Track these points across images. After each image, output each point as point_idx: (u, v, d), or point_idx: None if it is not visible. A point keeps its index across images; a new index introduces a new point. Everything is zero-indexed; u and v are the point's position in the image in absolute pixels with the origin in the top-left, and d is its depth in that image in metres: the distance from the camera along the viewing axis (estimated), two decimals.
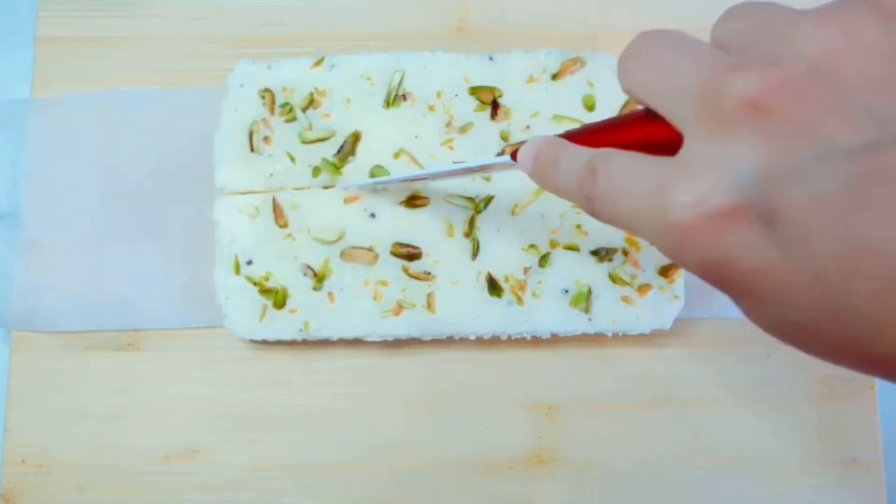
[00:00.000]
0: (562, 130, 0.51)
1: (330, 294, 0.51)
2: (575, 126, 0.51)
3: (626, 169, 0.29)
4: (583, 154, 0.32)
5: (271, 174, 0.52)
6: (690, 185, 0.26)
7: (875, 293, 0.22)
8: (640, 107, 0.31)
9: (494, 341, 0.53)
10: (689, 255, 0.26)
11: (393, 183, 0.51)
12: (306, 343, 0.53)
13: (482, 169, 0.44)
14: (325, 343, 0.53)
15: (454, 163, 0.52)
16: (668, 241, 0.27)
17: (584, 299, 0.51)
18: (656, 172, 0.27)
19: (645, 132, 0.31)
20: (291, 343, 0.53)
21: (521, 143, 0.37)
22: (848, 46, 0.25)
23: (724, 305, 0.53)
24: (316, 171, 0.52)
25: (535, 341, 0.53)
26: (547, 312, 0.51)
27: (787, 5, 0.27)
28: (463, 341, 0.53)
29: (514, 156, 0.38)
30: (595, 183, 0.30)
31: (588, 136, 0.33)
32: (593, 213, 0.31)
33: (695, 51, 0.29)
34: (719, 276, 0.26)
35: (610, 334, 0.52)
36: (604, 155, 0.30)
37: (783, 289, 0.25)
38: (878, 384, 0.54)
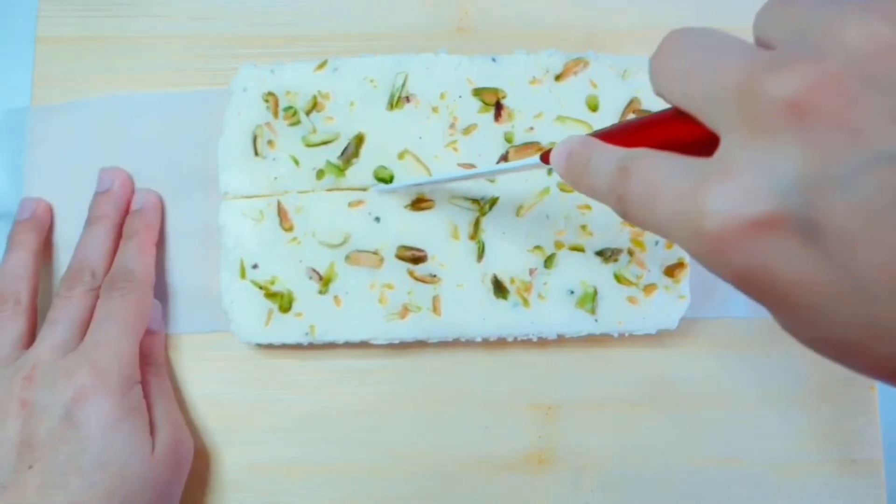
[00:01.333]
0: (566, 132, 0.52)
1: (336, 297, 0.51)
2: (580, 127, 0.52)
3: (658, 170, 0.28)
4: (615, 153, 0.30)
5: (276, 178, 0.52)
6: (725, 190, 0.24)
7: None
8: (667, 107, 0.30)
9: (499, 343, 0.53)
10: (723, 264, 0.25)
11: (427, 185, 0.51)
12: (310, 344, 0.52)
13: (510, 171, 0.44)
14: (328, 345, 0.53)
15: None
16: (700, 248, 0.25)
17: (589, 300, 0.51)
18: (690, 175, 0.26)
19: (677, 131, 0.29)
20: (295, 344, 0.52)
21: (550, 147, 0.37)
22: None
23: (730, 305, 0.54)
24: (320, 174, 0.52)
25: (540, 342, 0.53)
26: (553, 314, 0.51)
27: None
28: (468, 343, 0.53)
29: (544, 157, 0.37)
30: (627, 184, 0.29)
31: (619, 135, 0.32)
32: (624, 215, 0.29)
33: (730, 48, 0.27)
34: (755, 287, 0.25)
35: (616, 335, 0.52)
36: (637, 154, 0.29)
37: (825, 303, 0.23)
38: (879, 385, 0.55)
